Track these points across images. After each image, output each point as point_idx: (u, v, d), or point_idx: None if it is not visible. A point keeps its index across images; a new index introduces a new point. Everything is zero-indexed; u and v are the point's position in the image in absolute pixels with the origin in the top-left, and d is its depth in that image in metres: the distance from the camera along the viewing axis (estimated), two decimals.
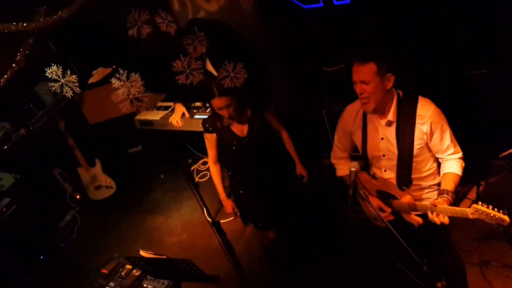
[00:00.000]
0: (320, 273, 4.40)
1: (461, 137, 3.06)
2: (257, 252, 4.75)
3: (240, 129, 3.72)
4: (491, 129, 4.48)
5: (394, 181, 3.04)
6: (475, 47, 4.39)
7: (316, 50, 5.09)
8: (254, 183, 3.89)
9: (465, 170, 2.99)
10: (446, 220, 2.77)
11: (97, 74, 6.02)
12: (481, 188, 4.63)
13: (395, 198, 3.06)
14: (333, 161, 3.42)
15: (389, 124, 2.96)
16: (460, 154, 2.96)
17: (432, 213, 2.81)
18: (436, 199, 2.88)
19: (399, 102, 2.93)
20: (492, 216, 2.59)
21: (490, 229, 4.18)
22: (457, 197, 4.45)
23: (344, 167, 3.33)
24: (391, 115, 2.93)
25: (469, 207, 2.63)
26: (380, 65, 2.79)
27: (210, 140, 3.80)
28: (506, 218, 2.57)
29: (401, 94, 2.96)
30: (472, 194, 4.60)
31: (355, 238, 4.12)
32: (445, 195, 2.83)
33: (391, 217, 3.06)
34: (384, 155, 3.05)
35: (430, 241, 3.10)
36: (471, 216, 2.67)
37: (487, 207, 2.60)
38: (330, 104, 4.55)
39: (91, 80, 6.01)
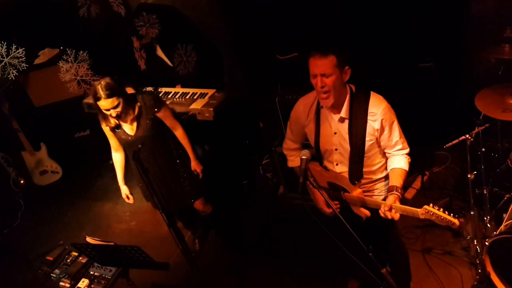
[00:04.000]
0: (269, 260, 4.45)
1: (407, 128, 3.13)
2: (206, 239, 4.76)
3: (129, 127, 3.75)
4: (436, 121, 4.62)
5: (346, 175, 3.08)
6: (423, 40, 4.50)
7: (270, 38, 5.09)
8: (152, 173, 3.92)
9: (411, 160, 3.07)
10: (396, 216, 2.82)
11: (44, 55, 5.81)
12: (425, 177, 4.79)
13: (346, 191, 3.11)
14: (285, 152, 3.42)
15: (342, 120, 2.97)
16: (407, 150, 3.01)
17: (386, 209, 2.85)
18: (386, 195, 2.93)
19: (351, 98, 2.94)
20: (442, 219, 2.64)
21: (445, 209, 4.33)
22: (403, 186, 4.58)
23: (295, 159, 3.34)
24: (344, 112, 2.94)
25: (428, 207, 2.68)
26: (339, 58, 2.79)
27: (106, 131, 3.84)
28: (456, 221, 2.62)
29: (353, 89, 2.97)
30: (417, 184, 4.75)
31: (304, 225, 4.19)
32: (394, 191, 2.88)
33: (337, 210, 3.10)
34: (336, 149, 3.07)
35: (375, 229, 3.17)
36: (421, 217, 2.72)
37: (438, 210, 2.64)
38: (283, 92, 4.57)
39: (38, 61, 5.80)
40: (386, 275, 2.63)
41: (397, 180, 2.93)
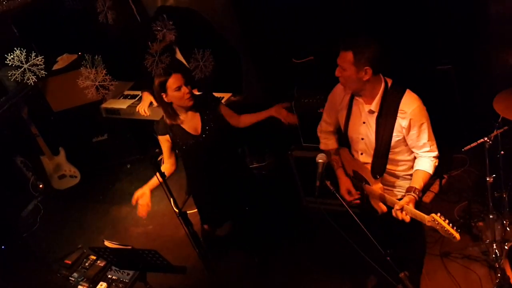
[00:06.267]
0: (287, 264, 4.45)
1: None
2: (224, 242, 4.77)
3: (193, 127, 3.64)
4: (455, 124, 4.58)
5: (369, 167, 3.12)
6: (441, 42, 4.47)
7: (286, 41, 5.09)
8: (210, 180, 3.87)
9: (438, 163, 3.04)
10: (407, 218, 2.84)
11: (62, 61, 5.88)
12: (443, 181, 4.74)
13: (367, 183, 3.15)
14: (319, 134, 3.48)
15: (371, 112, 3.01)
16: (435, 153, 3.00)
17: (398, 209, 2.86)
18: (404, 195, 2.93)
19: (385, 93, 2.96)
20: (445, 230, 2.67)
21: (451, 222, 4.28)
22: None
23: (327, 142, 3.44)
24: (374, 105, 2.97)
25: (435, 215, 2.68)
26: (357, 56, 2.81)
27: (163, 141, 3.71)
28: (457, 236, 2.66)
29: (389, 84, 2.98)
30: (435, 187, 4.71)
31: (321, 229, 4.18)
32: (411, 193, 2.89)
33: (358, 201, 3.17)
34: (362, 139, 3.11)
35: (400, 230, 3.17)
36: (427, 224, 2.74)
37: (444, 220, 2.67)
38: (298, 96, 4.56)
39: (56, 66, 5.87)
40: (404, 279, 2.61)
41: (417, 182, 2.94)
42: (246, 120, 3.85)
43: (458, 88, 4.46)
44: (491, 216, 3.84)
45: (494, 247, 3.80)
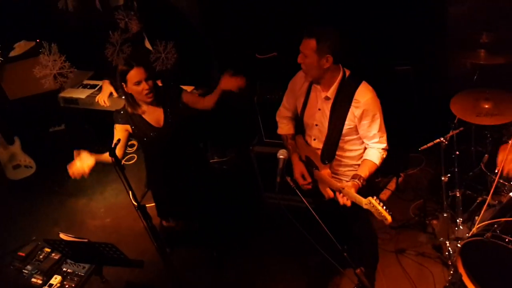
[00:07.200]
0: (244, 258, 4.46)
1: None
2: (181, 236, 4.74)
3: (155, 119, 3.58)
4: (412, 123, 4.67)
5: (319, 153, 3.21)
6: (400, 43, 4.55)
7: (249, 37, 5.09)
8: (169, 174, 3.83)
9: (386, 162, 3.14)
10: (347, 203, 2.93)
11: (19, 48, 5.71)
12: (400, 179, 4.84)
13: (317, 168, 3.23)
14: (277, 118, 3.53)
15: (327, 99, 3.10)
16: (383, 145, 3.11)
17: (339, 193, 2.98)
18: (348, 181, 3.04)
19: (342, 82, 3.05)
20: (379, 213, 2.75)
21: (406, 219, 4.40)
22: (378, 187, 4.64)
23: (284, 127, 3.48)
24: (331, 92, 3.06)
25: (372, 199, 2.77)
26: (320, 44, 2.88)
27: (121, 130, 3.61)
28: (389, 218, 2.74)
29: (347, 74, 3.08)
30: (392, 185, 4.81)
31: (280, 224, 4.21)
32: (356, 180, 2.99)
33: (309, 186, 3.25)
34: (316, 125, 3.20)
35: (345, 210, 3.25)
36: (364, 206, 2.83)
37: (379, 204, 2.75)
38: (261, 91, 4.57)
39: (13, 53, 5.70)
40: (360, 275, 2.65)
41: (363, 171, 3.06)
42: (210, 101, 3.77)
43: (416, 89, 4.55)
44: (445, 215, 3.95)
45: (448, 244, 3.91)
